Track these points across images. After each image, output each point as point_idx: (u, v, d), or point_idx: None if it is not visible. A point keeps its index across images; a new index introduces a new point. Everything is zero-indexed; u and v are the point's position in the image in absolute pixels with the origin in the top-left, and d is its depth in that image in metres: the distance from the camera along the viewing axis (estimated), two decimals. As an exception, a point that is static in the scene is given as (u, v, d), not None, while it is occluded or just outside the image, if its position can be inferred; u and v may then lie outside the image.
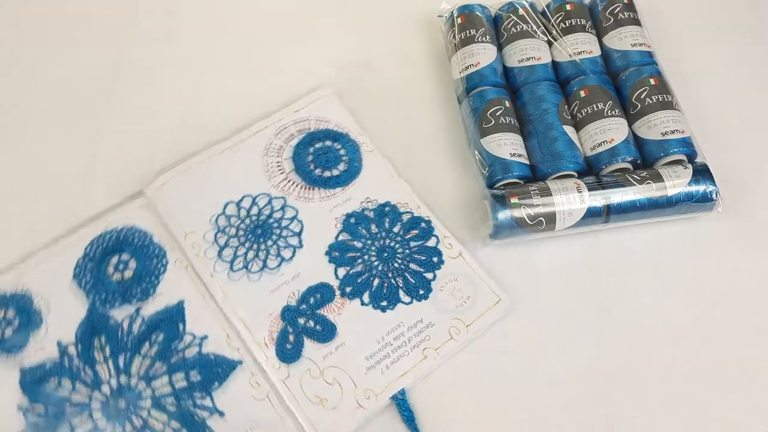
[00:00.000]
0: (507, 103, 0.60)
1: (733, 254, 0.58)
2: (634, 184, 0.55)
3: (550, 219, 0.54)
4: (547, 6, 0.65)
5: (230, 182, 0.59)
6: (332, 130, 0.61)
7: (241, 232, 0.56)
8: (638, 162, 0.58)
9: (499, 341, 0.54)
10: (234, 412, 0.50)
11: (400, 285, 0.55)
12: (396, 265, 0.56)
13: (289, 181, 0.59)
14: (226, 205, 0.57)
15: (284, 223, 0.57)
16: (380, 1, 0.71)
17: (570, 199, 0.54)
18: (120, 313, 0.53)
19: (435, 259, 0.56)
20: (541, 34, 0.63)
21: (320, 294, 0.54)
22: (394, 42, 0.68)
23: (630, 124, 0.59)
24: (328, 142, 0.61)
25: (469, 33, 0.63)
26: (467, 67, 0.62)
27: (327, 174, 0.59)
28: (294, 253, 0.56)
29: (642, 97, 0.59)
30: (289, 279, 0.55)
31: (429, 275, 0.55)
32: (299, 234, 0.57)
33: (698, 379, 0.52)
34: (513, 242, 0.57)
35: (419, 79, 0.66)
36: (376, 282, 0.55)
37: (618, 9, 0.63)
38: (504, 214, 0.54)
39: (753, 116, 0.64)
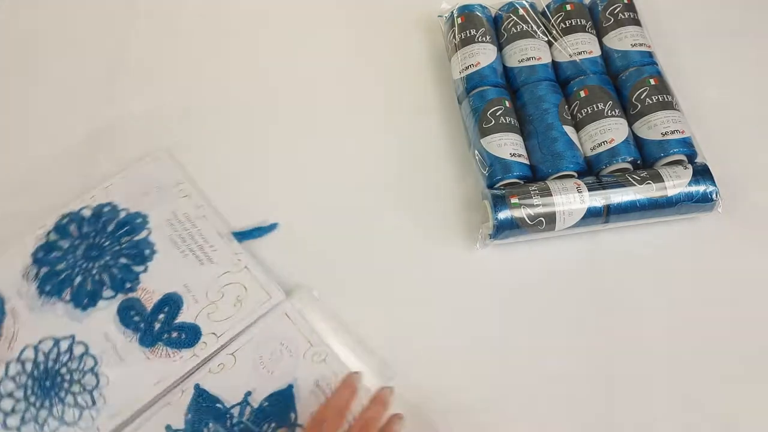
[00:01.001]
0: (507, 103, 0.60)
1: (733, 254, 0.58)
2: (634, 185, 0.55)
3: (550, 219, 0.54)
4: (547, 6, 0.65)
5: None
6: None
7: (32, 399, 0.52)
8: (638, 162, 0.58)
9: (499, 341, 0.54)
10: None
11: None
12: (101, 262, 0.56)
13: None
14: None
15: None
16: (380, 1, 0.71)
17: (570, 199, 0.54)
18: None
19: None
20: (541, 34, 0.63)
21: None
22: (394, 42, 0.68)
23: (630, 125, 0.59)
24: None
25: (469, 33, 0.63)
26: (467, 67, 0.62)
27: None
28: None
29: (642, 97, 0.59)
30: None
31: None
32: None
33: (698, 379, 0.53)
34: (513, 242, 0.57)
35: (419, 79, 0.67)
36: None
37: (618, 9, 0.63)
38: (504, 214, 0.54)
39: (753, 116, 0.64)
